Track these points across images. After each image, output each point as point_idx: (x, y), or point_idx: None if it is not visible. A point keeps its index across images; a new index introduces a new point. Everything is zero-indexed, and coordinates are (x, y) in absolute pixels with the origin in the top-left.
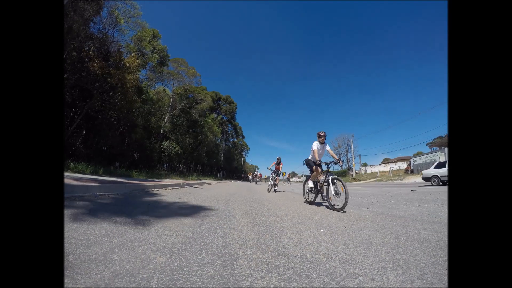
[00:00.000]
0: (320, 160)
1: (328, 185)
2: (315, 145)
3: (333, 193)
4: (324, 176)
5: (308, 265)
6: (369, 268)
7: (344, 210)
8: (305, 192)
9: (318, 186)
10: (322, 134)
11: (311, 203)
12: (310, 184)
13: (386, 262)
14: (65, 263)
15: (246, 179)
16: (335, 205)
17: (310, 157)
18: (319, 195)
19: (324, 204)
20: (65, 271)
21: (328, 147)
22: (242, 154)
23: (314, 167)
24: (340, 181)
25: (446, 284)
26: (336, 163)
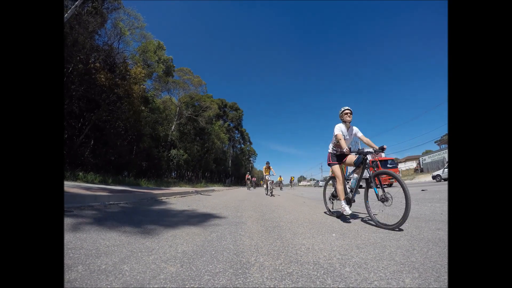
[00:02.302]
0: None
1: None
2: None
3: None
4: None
5: (322, 271)
6: (384, 272)
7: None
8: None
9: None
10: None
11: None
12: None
13: (401, 265)
14: (75, 274)
15: (258, 185)
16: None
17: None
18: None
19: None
20: (74, 282)
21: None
22: (250, 160)
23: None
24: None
25: (446, 284)
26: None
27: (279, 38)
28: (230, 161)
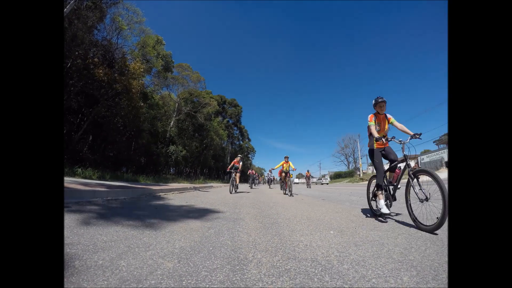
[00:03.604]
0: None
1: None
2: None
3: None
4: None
5: (320, 268)
6: (382, 270)
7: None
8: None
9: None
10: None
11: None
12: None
13: (399, 263)
14: (71, 269)
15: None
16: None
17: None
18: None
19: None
20: (71, 278)
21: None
22: (249, 157)
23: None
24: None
25: (445, 282)
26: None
27: (280, 33)
28: (228, 158)
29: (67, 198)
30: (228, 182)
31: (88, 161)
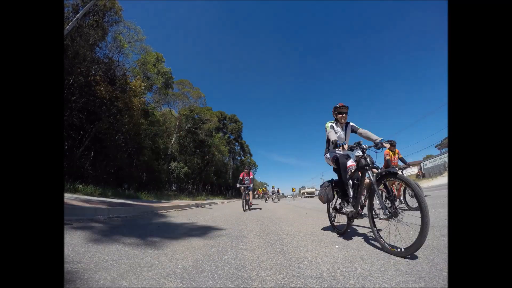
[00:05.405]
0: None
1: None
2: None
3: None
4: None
5: (326, 285)
6: (389, 283)
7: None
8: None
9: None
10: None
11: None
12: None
13: (407, 275)
14: None
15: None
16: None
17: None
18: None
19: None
20: None
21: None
22: (251, 172)
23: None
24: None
25: (446, 284)
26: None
27: (280, 45)
28: (230, 174)
29: (69, 215)
30: (229, 199)
31: (90, 177)
